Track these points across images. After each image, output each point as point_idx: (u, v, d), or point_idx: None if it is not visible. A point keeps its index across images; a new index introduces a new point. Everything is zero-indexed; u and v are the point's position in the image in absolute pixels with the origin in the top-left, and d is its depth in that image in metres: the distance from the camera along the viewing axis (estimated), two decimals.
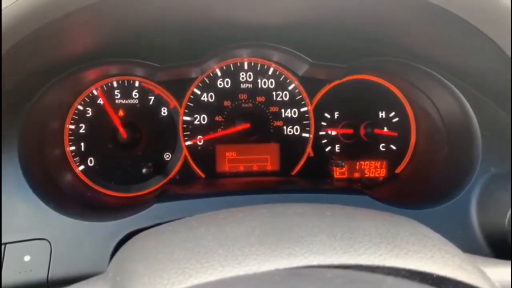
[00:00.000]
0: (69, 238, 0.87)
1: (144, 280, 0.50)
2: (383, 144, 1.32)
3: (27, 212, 0.88)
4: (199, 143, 1.27)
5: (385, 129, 1.30)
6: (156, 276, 0.50)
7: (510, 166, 0.99)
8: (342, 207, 0.68)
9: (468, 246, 0.67)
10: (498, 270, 0.62)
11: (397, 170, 1.32)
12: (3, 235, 0.84)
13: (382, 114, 1.30)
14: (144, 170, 1.19)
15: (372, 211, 0.69)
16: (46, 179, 1.01)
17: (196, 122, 1.26)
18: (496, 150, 1.01)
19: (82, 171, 1.20)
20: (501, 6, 0.72)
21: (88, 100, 1.20)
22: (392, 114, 1.30)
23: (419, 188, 1.19)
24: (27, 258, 0.84)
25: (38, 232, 0.87)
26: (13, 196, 0.89)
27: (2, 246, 0.83)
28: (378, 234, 0.57)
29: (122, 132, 1.20)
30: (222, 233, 0.57)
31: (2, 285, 0.81)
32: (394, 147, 1.31)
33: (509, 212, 0.88)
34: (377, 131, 1.29)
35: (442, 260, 0.55)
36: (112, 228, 0.90)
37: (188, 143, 1.26)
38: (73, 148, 1.20)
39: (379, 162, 1.31)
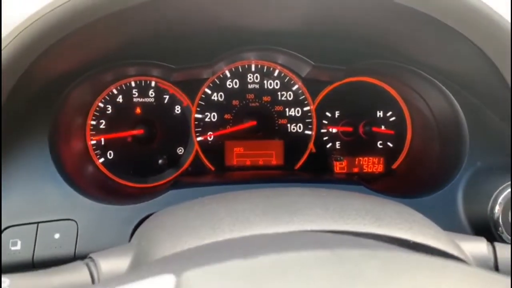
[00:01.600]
0: (93, 219, 0.96)
1: (166, 244, 0.60)
2: (380, 142, 1.38)
3: (57, 196, 0.97)
4: (209, 139, 1.34)
5: (383, 127, 1.37)
6: (175, 240, 0.60)
7: (495, 161, 1.08)
8: (337, 190, 0.77)
9: (454, 230, 0.76)
10: (471, 244, 0.70)
11: (394, 166, 1.39)
12: (37, 215, 0.94)
13: (379, 114, 1.37)
14: (160, 161, 1.29)
15: (363, 195, 0.78)
16: (73, 169, 1.10)
17: (207, 119, 1.34)
18: (482, 146, 1.09)
19: (103, 163, 1.29)
20: (491, 20, 0.80)
21: (108, 98, 1.31)
22: (389, 113, 1.37)
23: (412, 181, 1.26)
24: (56, 235, 0.93)
25: (66, 213, 0.96)
26: (46, 182, 0.98)
27: (35, 225, 0.94)
28: (365, 209, 0.65)
29: (139, 132, 1.30)
30: (231, 207, 0.66)
31: (35, 258, 0.91)
32: (391, 144, 1.38)
33: (491, 201, 0.97)
34: (375, 129, 1.36)
35: (420, 231, 0.63)
36: (131, 211, 0.99)
37: (199, 138, 1.34)
38: (94, 142, 1.29)
39: (376, 158, 1.37)
